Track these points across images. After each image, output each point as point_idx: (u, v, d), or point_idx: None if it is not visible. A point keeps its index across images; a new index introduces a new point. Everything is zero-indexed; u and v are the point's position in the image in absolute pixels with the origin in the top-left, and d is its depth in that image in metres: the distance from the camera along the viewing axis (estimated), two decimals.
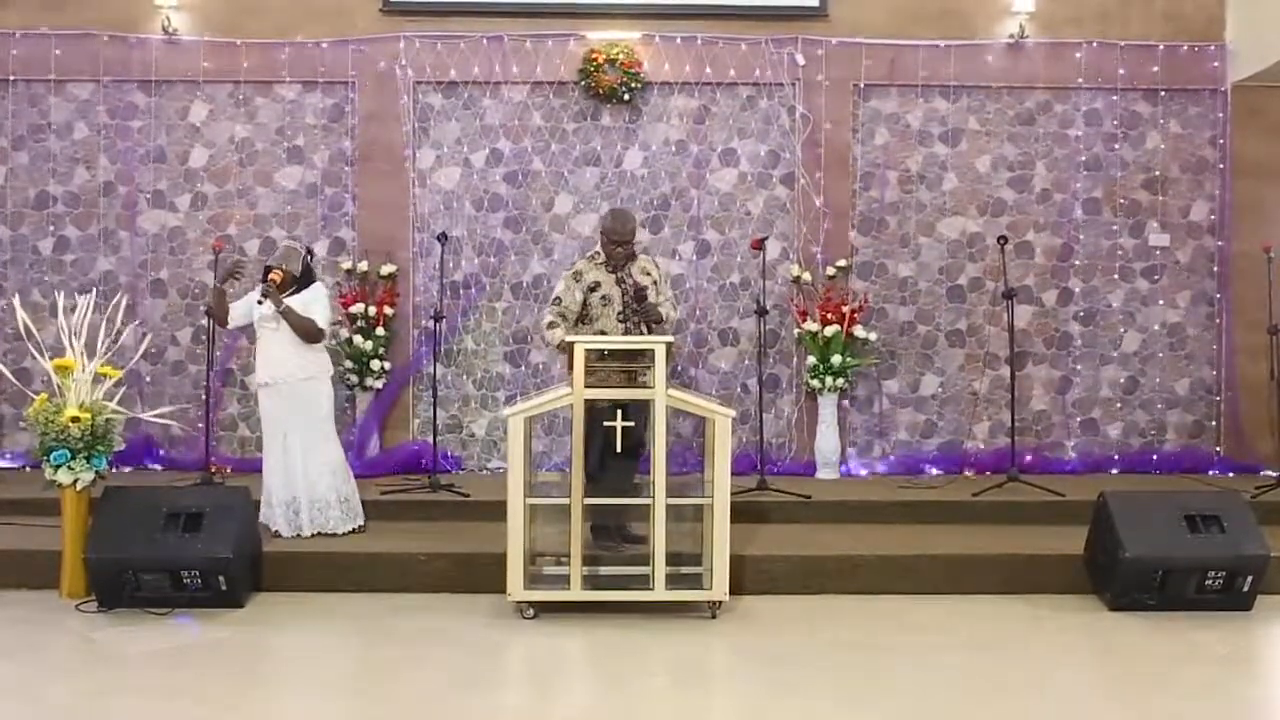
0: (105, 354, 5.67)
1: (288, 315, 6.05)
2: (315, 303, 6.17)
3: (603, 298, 6.02)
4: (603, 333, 5.95)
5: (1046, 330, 8.41)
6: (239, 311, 6.29)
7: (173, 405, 8.09)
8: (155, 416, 6.34)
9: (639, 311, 5.98)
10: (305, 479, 6.09)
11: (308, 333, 6.12)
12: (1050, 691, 4.45)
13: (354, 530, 6.20)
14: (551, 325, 6.05)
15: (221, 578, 5.31)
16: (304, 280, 6.23)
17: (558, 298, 6.15)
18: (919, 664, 4.71)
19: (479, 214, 8.32)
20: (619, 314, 6.00)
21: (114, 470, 6.34)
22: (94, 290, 6.42)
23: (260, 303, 6.06)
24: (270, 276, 6.10)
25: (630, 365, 5.41)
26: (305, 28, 8.22)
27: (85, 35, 8.17)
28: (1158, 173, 8.41)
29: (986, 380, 8.35)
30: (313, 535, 6.08)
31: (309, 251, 6.45)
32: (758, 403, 7.82)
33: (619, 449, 5.40)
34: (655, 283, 6.15)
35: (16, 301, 6.08)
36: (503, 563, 5.23)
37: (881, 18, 8.28)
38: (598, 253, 6.15)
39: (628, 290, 6.00)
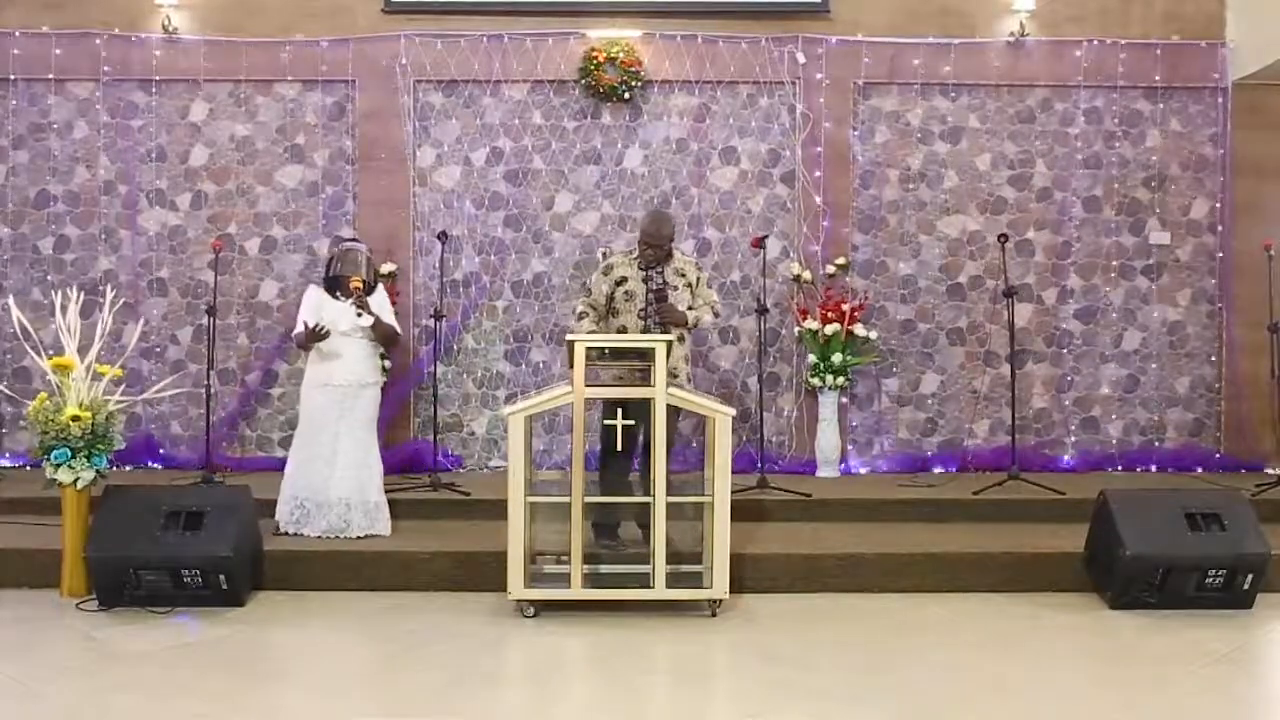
0: (100, 350, 5.66)
1: (378, 326, 6.11)
2: (385, 309, 6.23)
3: (626, 293, 6.12)
4: (624, 328, 6.05)
5: (1047, 328, 8.41)
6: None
7: (172, 402, 8.12)
8: (156, 393, 6.34)
9: (659, 311, 6.02)
10: (358, 482, 6.06)
11: (391, 339, 6.27)
12: (1050, 690, 4.45)
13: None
14: (582, 315, 6.19)
15: (222, 576, 5.31)
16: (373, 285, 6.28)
17: (588, 289, 6.30)
18: (919, 662, 4.71)
19: (479, 212, 8.32)
20: (640, 311, 6.06)
21: (115, 469, 6.33)
22: (96, 287, 6.41)
23: (359, 315, 6.05)
24: (354, 286, 6.06)
25: (631, 364, 5.42)
26: (305, 26, 8.22)
27: (85, 34, 8.17)
28: (1158, 171, 8.41)
29: (987, 378, 8.35)
30: (360, 536, 6.03)
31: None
32: (758, 401, 7.82)
33: (619, 448, 5.41)
34: (690, 285, 6.22)
35: (11, 301, 6.07)
36: (503, 561, 5.23)
37: (882, 16, 8.28)
38: (635, 248, 6.23)
39: (651, 289, 6.04)
